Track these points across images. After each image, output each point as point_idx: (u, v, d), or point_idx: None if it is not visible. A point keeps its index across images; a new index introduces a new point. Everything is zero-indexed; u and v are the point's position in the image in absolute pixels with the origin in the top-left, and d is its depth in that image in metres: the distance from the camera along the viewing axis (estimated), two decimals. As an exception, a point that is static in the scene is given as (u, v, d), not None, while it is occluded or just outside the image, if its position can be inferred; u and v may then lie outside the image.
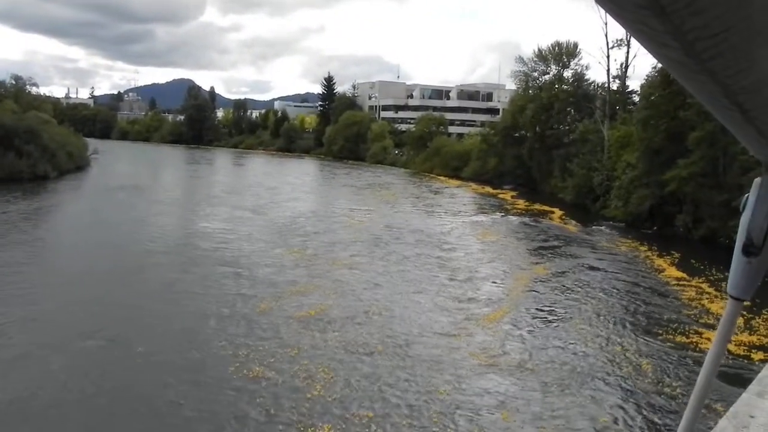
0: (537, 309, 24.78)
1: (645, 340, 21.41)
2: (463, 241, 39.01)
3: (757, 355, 19.90)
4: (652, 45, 0.71)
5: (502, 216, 50.95)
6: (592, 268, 32.94)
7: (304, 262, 30.97)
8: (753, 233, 1.20)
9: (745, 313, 24.28)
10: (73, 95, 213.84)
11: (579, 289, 28.17)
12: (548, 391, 16.83)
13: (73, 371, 17.03)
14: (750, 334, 22.15)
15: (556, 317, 23.80)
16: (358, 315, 22.74)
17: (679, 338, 21.51)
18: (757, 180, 1.21)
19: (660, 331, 22.28)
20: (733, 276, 1.29)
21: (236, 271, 28.63)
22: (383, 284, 27.50)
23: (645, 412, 15.93)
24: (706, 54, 0.67)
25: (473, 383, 17.19)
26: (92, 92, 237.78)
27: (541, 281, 29.46)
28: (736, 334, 21.89)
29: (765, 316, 23.55)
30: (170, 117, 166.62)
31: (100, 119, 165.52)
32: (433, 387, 16.73)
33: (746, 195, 1.23)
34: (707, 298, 26.49)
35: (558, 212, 52.75)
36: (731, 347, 19.87)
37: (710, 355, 1.48)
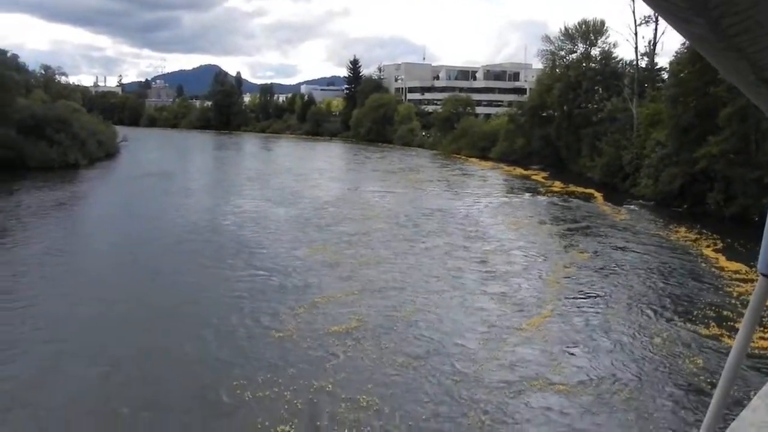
0: (579, 307, 23.41)
1: (691, 332, 20.65)
2: (497, 226, 38.64)
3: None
4: (676, 21, 0.70)
5: (535, 197, 51.02)
6: (626, 249, 32.86)
7: (335, 260, 29.19)
8: None
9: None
10: (101, 83, 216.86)
11: (617, 277, 27.74)
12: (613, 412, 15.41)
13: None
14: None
15: (600, 315, 22.57)
16: (394, 326, 20.61)
17: (722, 323, 21.11)
18: None
19: (702, 319, 21.76)
20: (763, 254, 1.28)
21: (265, 273, 26.82)
22: (418, 285, 25.57)
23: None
24: (732, 30, 0.66)
25: (525, 405, 15.64)
26: (120, 80, 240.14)
27: (578, 270, 28.68)
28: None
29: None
30: (197, 103, 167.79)
31: (128, 107, 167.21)
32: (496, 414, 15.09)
33: None
34: (742, 278, 26.15)
35: (588, 191, 52.50)
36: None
37: (740, 334, 1.46)
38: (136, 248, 31.52)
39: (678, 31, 0.74)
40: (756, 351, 18.01)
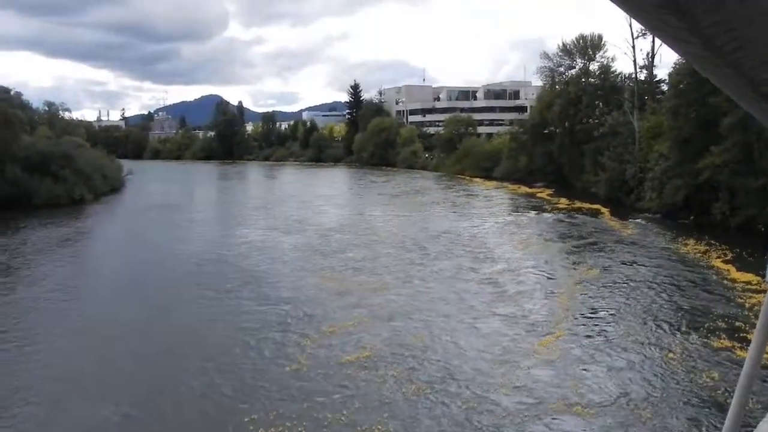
0: (591, 325, 23.30)
1: (705, 345, 20.63)
2: (505, 247, 38.50)
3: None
4: (672, 41, 0.71)
5: (541, 215, 50.96)
6: (635, 264, 32.74)
7: (342, 287, 28.92)
8: None
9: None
10: (104, 118, 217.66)
11: (628, 292, 27.59)
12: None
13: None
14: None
15: (613, 332, 22.43)
16: (405, 354, 20.35)
17: (736, 335, 21.00)
18: None
19: (715, 332, 21.69)
20: None
21: (272, 303, 26.69)
22: (427, 310, 25.25)
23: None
24: (726, 48, 0.67)
25: (546, 429, 15.49)
26: (123, 113, 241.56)
27: (588, 287, 28.60)
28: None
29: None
30: (200, 134, 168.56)
31: (132, 140, 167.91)
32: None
33: None
34: (754, 289, 25.99)
35: (594, 207, 52.47)
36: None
37: (753, 345, 1.46)
38: (142, 282, 31.48)
39: (674, 51, 0.75)
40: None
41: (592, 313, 24.77)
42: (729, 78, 0.79)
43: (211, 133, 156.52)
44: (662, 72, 63.31)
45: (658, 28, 0.67)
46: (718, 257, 32.73)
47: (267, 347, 21.43)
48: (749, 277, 27.71)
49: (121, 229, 49.90)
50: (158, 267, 35.08)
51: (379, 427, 15.40)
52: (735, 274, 29.07)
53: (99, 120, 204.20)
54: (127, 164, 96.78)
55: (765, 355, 1.66)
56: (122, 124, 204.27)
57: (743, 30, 0.64)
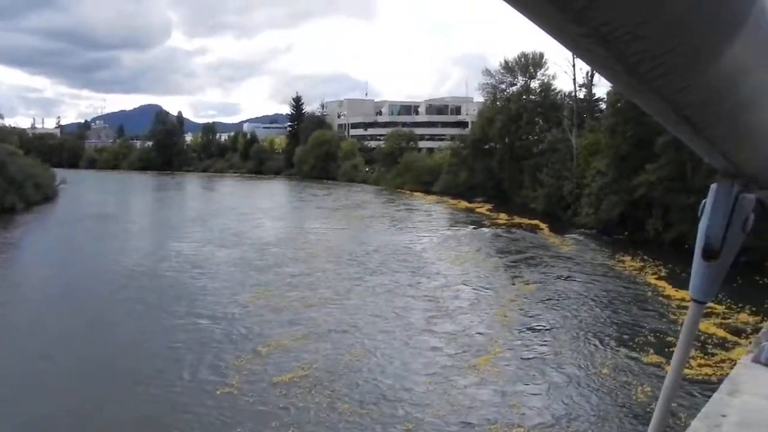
0: (529, 341, 23.26)
1: (637, 360, 21.05)
2: (443, 262, 38.45)
3: (729, 355, 19.97)
4: (598, 67, 0.73)
5: (480, 230, 51.10)
6: (571, 279, 33.18)
7: (279, 303, 28.24)
8: (711, 238, 1.23)
9: (718, 313, 24.51)
10: (39, 125, 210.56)
11: (564, 308, 27.87)
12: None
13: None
14: (724, 333, 22.35)
15: (550, 348, 22.46)
16: (342, 372, 19.94)
17: (666, 350, 21.27)
18: (714, 186, 1.25)
19: (646, 347, 22.13)
20: (694, 280, 1.31)
21: (206, 320, 25.72)
22: (364, 326, 24.83)
23: None
24: (650, 75, 0.70)
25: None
26: (59, 122, 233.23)
27: (525, 303, 28.73)
28: (706, 336, 22.10)
29: (733, 317, 23.86)
30: (138, 143, 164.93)
31: (67, 148, 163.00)
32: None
33: (704, 201, 1.27)
34: (682, 303, 26.46)
35: (532, 222, 52.97)
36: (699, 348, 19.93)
37: (676, 357, 1.48)
38: (71, 296, 30.16)
39: (602, 76, 0.78)
40: (694, 375, 18.20)
41: (530, 329, 24.78)
42: (654, 102, 0.83)
43: (149, 143, 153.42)
44: (601, 91, 64.82)
45: (585, 56, 0.69)
46: (653, 273, 33.36)
47: (200, 366, 20.63)
48: (682, 293, 28.19)
49: (51, 240, 47.92)
50: (88, 280, 33.69)
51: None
52: (668, 289, 29.68)
53: (33, 127, 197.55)
54: (61, 173, 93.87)
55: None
56: (57, 132, 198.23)
57: (664, 57, 0.68)
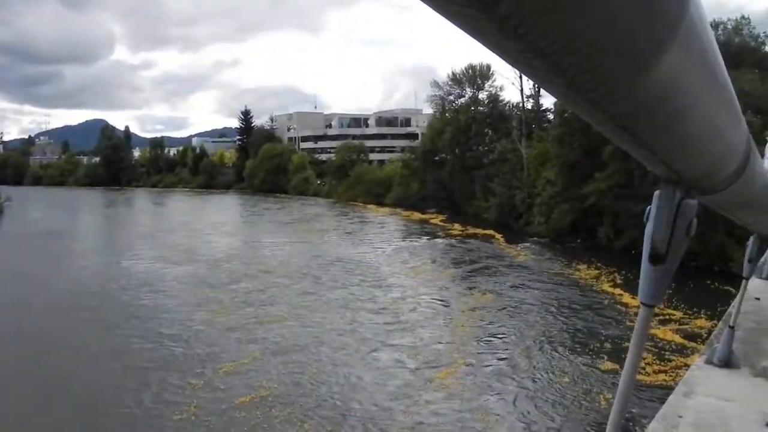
0: (488, 352, 23.30)
1: (596, 367, 21.28)
2: (399, 275, 38.27)
3: (686, 360, 20.25)
4: (539, 80, 0.76)
5: (434, 241, 51.15)
6: (526, 288, 33.46)
7: (233, 322, 27.56)
8: (657, 243, 1.27)
9: (675, 319, 24.95)
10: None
11: (521, 317, 28.03)
12: None
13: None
14: (680, 339, 22.75)
15: (509, 359, 22.42)
16: (302, 391, 19.52)
17: (624, 356, 21.51)
18: (657, 192, 1.28)
19: (603, 353, 22.45)
20: (642, 284, 1.35)
21: (159, 342, 24.94)
22: (321, 342, 24.55)
23: None
24: (585, 87, 0.73)
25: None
26: (1, 137, 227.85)
27: (483, 313, 28.74)
28: (663, 342, 22.46)
29: (689, 322, 24.25)
30: (85, 159, 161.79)
31: (10, 165, 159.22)
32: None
33: (649, 206, 1.29)
34: (637, 308, 26.82)
35: (486, 232, 53.28)
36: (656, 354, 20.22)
37: (629, 361, 1.51)
38: (17, 317, 28.91)
39: (543, 88, 0.81)
40: (652, 381, 18.48)
41: (488, 340, 24.80)
42: (593, 114, 0.86)
43: (96, 159, 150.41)
44: (548, 101, 65.84)
45: (525, 69, 0.72)
46: (607, 280, 33.92)
47: (154, 390, 19.89)
48: (634, 301, 28.57)
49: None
50: (35, 300, 32.39)
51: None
52: (622, 295, 30.14)
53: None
54: (5, 190, 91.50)
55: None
56: (0, 148, 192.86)
57: (598, 71, 0.71)
